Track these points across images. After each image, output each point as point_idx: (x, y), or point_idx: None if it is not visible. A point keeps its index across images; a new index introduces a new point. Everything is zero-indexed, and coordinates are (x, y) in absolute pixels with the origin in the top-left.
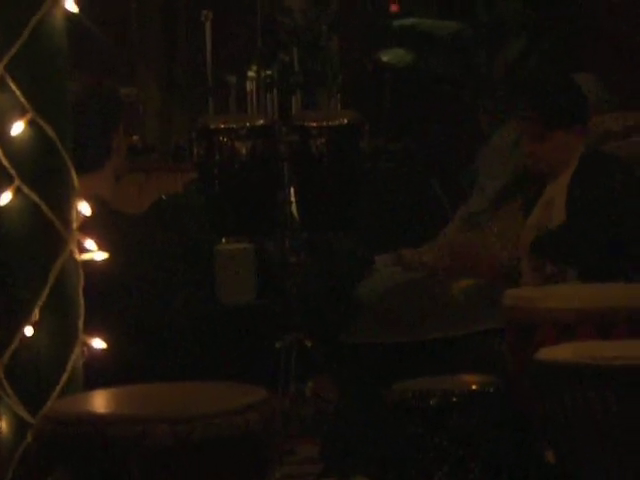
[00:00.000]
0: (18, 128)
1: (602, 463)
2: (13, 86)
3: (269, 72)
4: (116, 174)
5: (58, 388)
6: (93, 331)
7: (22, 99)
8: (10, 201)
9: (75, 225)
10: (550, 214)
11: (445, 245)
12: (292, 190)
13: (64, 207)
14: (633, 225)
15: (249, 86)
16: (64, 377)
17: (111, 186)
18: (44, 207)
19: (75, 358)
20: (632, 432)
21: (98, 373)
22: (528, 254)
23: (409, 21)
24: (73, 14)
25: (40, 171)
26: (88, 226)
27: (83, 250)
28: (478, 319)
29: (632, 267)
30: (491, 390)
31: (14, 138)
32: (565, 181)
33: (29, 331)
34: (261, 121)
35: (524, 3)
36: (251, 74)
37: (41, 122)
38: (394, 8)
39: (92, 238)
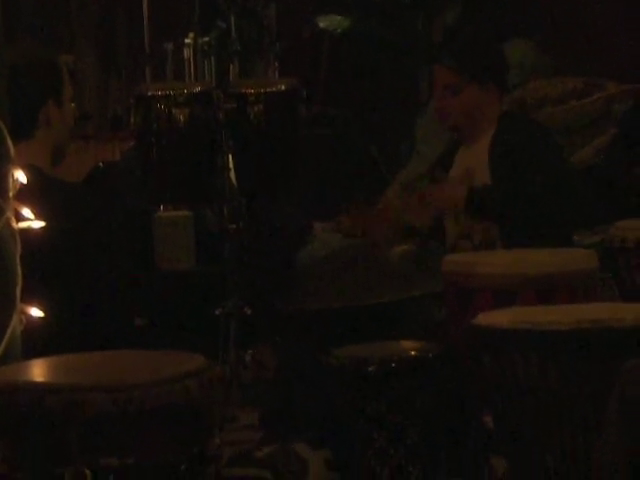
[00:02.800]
0: None
1: (541, 428)
2: None
3: (206, 39)
4: (55, 144)
5: None
6: (31, 299)
7: None
8: None
9: (12, 193)
10: (472, 181)
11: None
12: (230, 157)
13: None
14: (554, 181)
15: (186, 53)
16: (2, 346)
17: (46, 155)
18: None
19: (13, 327)
20: (571, 396)
21: (36, 341)
22: (453, 219)
23: None
24: None
25: None
26: (25, 194)
27: (20, 218)
28: (415, 283)
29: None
30: (430, 356)
31: None
32: (483, 147)
33: None
34: (198, 88)
35: None
36: (188, 41)
37: None
38: None
39: (29, 206)
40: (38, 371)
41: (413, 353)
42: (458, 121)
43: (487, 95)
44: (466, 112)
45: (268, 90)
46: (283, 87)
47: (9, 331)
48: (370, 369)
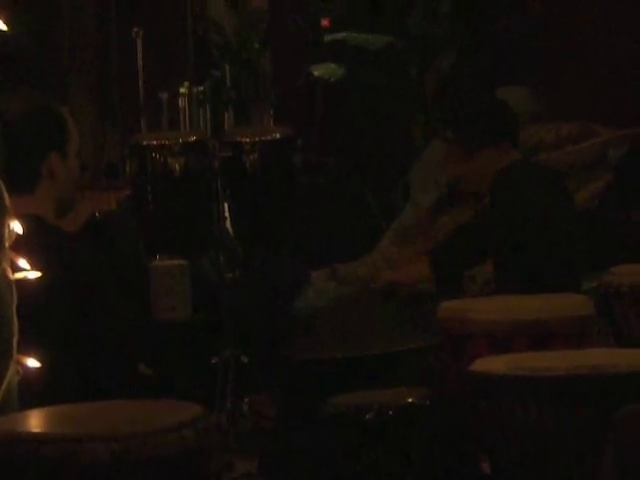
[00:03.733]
0: None
1: (538, 474)
2: None
3: (201, 88)
4: (59, 198)
5: None
6: (27, 350)
7: None
8: None
9: (7, 244)
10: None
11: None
12: (226, 206)
13: None
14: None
15: (181, 103)
16: None
17: (48, 209)
18: None
19: (10, 378)
20: (569, 442)
21: (33, 392)
22: None
23: (340, 35)
24: (2, 32)
25: None
26: (23, 244)
27: (16, 269)
28: (412, 335)
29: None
30: (427, 403)
31: None
32: None
33: None
34: (194, 137)
35: (455, 16)
36: (183, 91)
37: None
38: (325, 23)
39: (26, 255)
40: (34, 421)
41: (410, 400)
42: (477, 185)
43: (503, 153)
44: (485, 174)
45: (263, 139)
46: (278, 135)
47: (5, 382)
48: (367, 417)
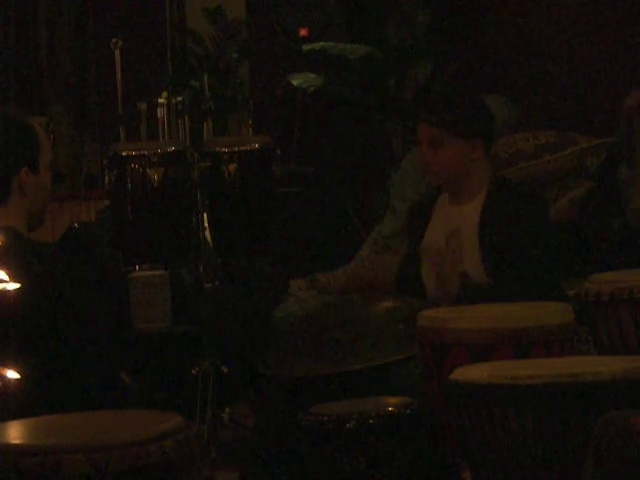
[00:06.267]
0: None
1: None
2: None
3: (180, 99)
4: (31, 211)
5: None
6: (6, 361)
7: None
8: None
9: None
10: (459, 244)
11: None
12: (205, 216)
13: None
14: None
15: (160, 113)
16: None
17: (21, 221)
18: None
19: None
20: (549, 449)
21: (13, 404)
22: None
23: (319, 45)
24: None
25: None
26: (1, 256)
27: None
28: (397, 347)
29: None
30: (408, 412)
31: None
32: (471, 210)
33: None
34: (172, 148)
35: (432, 25)
36: (162, 101)
37: None
38: (303, 32)
39: (4, 268)
40: (14, 433)
41: (391, 409)
42: (443, 177)
43: (472, 150)
44: (450, 167)
45: (242, 149)
46: (257, 145)
47: None
48: (348, 426)
